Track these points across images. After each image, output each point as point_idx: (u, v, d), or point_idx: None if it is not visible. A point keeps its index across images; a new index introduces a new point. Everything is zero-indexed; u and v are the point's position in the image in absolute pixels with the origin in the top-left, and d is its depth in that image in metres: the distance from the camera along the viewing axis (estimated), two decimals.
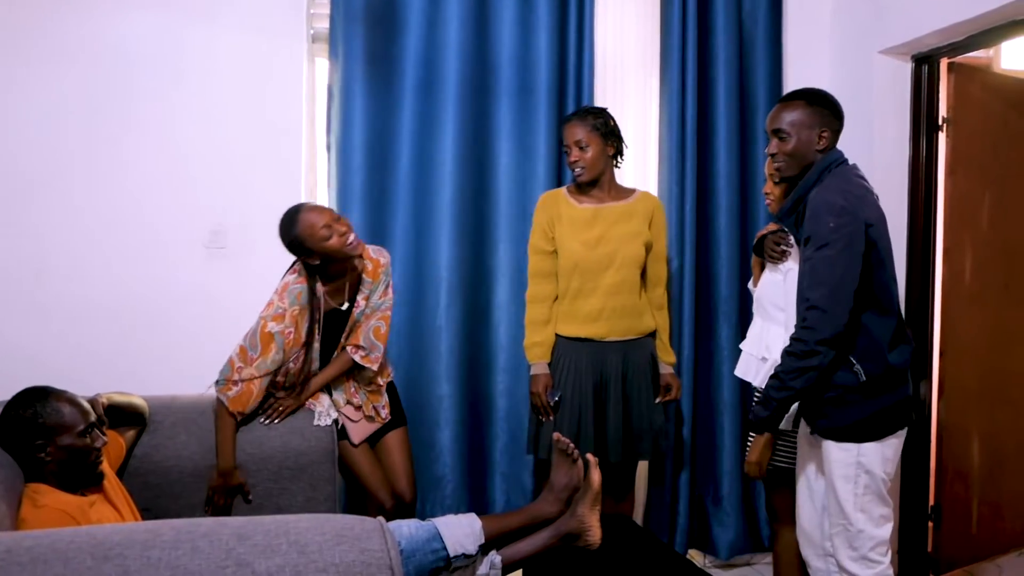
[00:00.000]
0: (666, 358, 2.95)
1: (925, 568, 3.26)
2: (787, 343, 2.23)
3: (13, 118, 3.05)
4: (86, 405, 2.01)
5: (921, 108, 3.18)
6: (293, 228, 2.48)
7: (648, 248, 2.87)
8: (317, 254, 2.48)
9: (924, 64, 3.17)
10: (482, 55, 3.21)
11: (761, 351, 2.59)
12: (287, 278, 2.56)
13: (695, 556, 3.44)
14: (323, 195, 3.17)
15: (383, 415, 2.72)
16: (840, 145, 2.36)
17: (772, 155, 2.36)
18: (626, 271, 2.82)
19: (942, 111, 3.17)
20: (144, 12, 3.10)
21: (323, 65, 3.25)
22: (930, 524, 3.27)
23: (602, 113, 2.85)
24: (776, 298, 2.55)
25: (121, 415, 2.30)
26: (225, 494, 2.42)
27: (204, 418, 2.48)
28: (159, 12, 3.10)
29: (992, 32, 2.83)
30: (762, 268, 2.67)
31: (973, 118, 3.22)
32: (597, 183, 2.85)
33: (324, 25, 3.18)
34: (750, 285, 2.81)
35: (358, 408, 2.67)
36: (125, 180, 3.11)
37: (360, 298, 2.64)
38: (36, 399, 1.96)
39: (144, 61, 3.11)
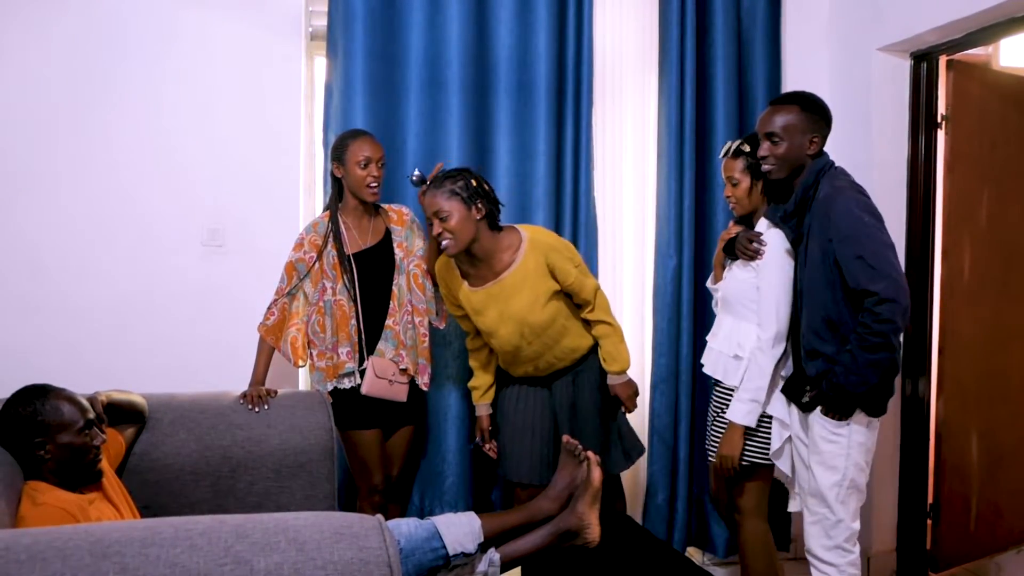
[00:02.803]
0: (610, 367, 2.77)
1: (924, 566, 3.26)
2: (840, 339, 2.21)
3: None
4: (85, 403, 2.01)
5: (920, 105, 3.19)
6: (346, 141, 2.79)
7: (558, 294, 2.69)
8: (343, 176, 2.79)
9: (923, 61, 3.18)
10: (482, 53, 3.20)
11: (734, 349, 2.58)
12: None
13: (694, 554, 3.44)
14: (321, 193, 3.16)
15: (409, 376, 2.86)
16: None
17: (763, 157, 2.39)
18: (541, 338, 2.71)
19: (941, 108, 3.17)
20: (137, 3, 3.09)
21: (321, 63, 3.25)
22: (929, 522, 3.27)
23: (461, 175, 2.60)
24: (746, 297, 2.55)
25: (120, 413, 2.29)
26: (256, 397, 2.59)
27: (203, 416, 2.49)
28: (152, 2, 3.10)
29: (991, 29, 2.84)
30: (723, 268, 2.69)
31: (972, 115, 3.22)
32: (472, 254, 2.64)
33: (322, 23, 3.17)
34: (709, 283, 2.82)
35: (395, 372, 2.81)
36: (120, 176, 3.10)
37: (396, 246, 2.86)
38: (35, 397, 1.96)
39: (137, 54, 3.09)
